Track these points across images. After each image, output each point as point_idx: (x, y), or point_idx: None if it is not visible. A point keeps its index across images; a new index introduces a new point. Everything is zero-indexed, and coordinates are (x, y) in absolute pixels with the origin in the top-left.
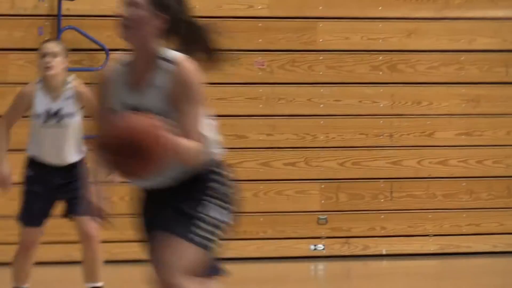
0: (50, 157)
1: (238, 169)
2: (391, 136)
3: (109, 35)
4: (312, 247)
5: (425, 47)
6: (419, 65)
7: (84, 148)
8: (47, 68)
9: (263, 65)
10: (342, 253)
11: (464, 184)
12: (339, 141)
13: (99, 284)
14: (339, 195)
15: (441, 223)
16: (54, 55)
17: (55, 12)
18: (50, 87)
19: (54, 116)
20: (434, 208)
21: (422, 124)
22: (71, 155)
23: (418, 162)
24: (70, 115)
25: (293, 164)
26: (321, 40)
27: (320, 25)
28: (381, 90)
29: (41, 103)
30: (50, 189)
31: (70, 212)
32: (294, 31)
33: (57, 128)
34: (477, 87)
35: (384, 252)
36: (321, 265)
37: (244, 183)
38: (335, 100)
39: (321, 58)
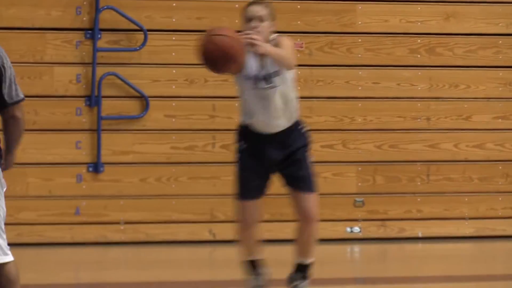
0: (262, 124)
1: None
2: (428, 119)
3: (148, 16)
4: (349, 229)
5: (463, 30)
6: (457, 48)
7: (298, 112)
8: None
9: (301, 47)
10: (378, 236)
11: (500, 167)
12: (377, 124)
13: (308, 261)
14: (376, 178)
15: (477, 206)
16: (261, 19)
17: None
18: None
19: (263, 79)
20: (470, 191)
21: (459, 107)
22: (283, 120)
23: (455, 145)
24: (277, 74)
25: (330, 146)
26: (360, 23)
27: (359, 8)
28: (419, 73)
29: (251, 67)
30: (264, 163)
31: (288, 187)
32: (333, 13)
33: (267, 91)
34: None
35: (420, 235)
36: (357, 248)
37: None
38: (373, 83)
39: (359, 40)
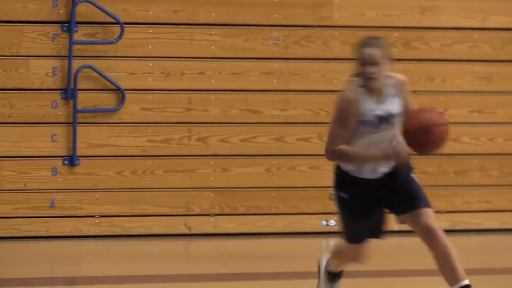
0: (370, 170)
1: (251, 144)
2: None
3: (124, 9)
4: (324, 222)
5: (439, 24)
6: (433, 42)
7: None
8: (370, 79)
9: (278, 40)
10: None
11: (475, 161)
12: None
13: (467, 282)
14: None
15: (453, 200)
16: (376, 63)
17: None
18: (374, 90)
19: (384, 120)
20: (446, 184)
21: (435, 101)
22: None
23: None
24: (400, 114)
25: (306, 139)
26: (336, 16)
27: (336, 1)
28: (395, 66)
29: (369, 109)
30: (371, 208)
31: (398, 213)
32: (309, 7)
33: (385, 132)
34: (490, 64)
35: (395, 229)
36: (333, 241)
37: (257, 158)
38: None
39: (336, 34)
